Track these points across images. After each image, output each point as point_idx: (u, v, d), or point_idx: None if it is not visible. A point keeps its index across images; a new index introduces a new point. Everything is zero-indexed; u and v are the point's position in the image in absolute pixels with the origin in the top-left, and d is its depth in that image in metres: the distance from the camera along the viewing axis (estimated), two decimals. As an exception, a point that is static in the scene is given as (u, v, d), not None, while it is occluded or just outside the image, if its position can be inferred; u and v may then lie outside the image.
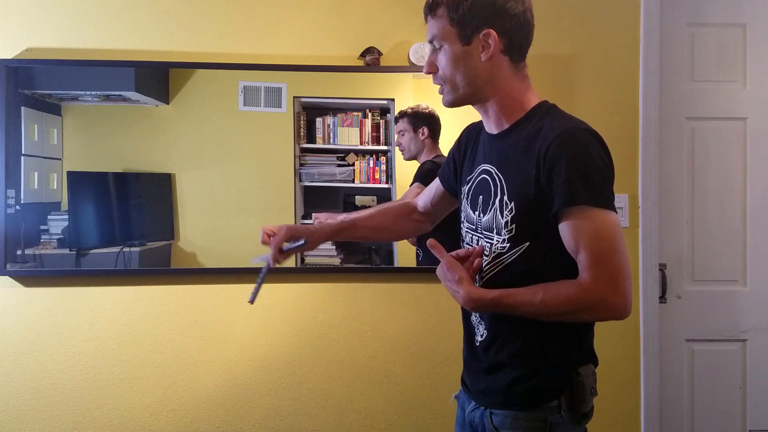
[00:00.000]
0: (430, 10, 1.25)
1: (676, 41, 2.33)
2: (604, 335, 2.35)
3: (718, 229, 2.33)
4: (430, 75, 1.29)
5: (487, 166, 1.28)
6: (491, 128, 1.30)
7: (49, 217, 2.13)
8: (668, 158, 2.31)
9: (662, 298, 2.30)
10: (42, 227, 2.13)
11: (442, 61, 1.25)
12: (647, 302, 2.27)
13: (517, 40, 1.22)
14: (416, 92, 2.20)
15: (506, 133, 1.26)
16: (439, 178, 1.52)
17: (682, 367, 2.33)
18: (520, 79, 1.25)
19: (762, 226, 2.33)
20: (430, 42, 1.26)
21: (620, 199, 2.25)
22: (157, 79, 2.18)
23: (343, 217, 1.57)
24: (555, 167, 1.13)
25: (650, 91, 2.26)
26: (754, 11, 2.33)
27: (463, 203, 1.37)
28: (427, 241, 1.26)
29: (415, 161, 2.22)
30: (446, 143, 2.20)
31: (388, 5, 2.22)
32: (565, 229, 1.14)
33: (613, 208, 1.14)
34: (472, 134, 1.40)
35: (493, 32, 1.20)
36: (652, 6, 2.27)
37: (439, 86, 1.29)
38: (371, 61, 2.17)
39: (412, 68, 2.18)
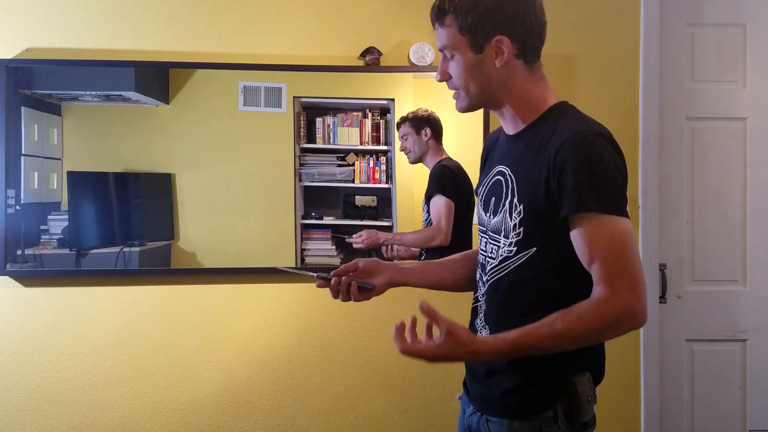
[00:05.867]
0: (437, 19, 1.21)
1: (676, 41, 2.32)
2: (604, 335, 2.33)
3: (718, 229, 2.33)
4: (432, 74, 1.28)
5: (501, 168, 1.26)
6: (508, 129, 1.28)
7: (49, 217, 2.13)
8: (668, 158, 2.31)
9: (662, 298, 2.30)
10: (42, 227, 2.13)
11: (455, 69, 1.21)
12: (647, 302, 2.26)
13: (530, 42, 1.19)
14: (416, 92, 2.19)
15: (522, 134, 1.24)
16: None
17: (682, 367, 2.33)
18: (535, 79, 1.23)
19: (762, 226, 2.33)
20: (441, 51, 1.23)
21: (620, 199, 2.25)
22: (157, 79, 2.18)
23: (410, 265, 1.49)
24: (565, 170, 1.10)
25: (650, 91, 2.26)
26: (754, 11, 2.33)
27: (477, 205, 1.35)
28: (420, 305, 1.07)
29: (421, 164, 2.22)
30: (449, 146, 2.20)
31: (388, 5, 2.22)
32: (577, 237, 1.11)
33: (625, 214, 1.10)
34: (491, 141, 1.38)
35: (506, 38, 1.17)
36: (652, 6, 2.27)
37: (454, 91, 1.25)
38: (371, 61, 2.17)
39: (412, 68, 2.18)
